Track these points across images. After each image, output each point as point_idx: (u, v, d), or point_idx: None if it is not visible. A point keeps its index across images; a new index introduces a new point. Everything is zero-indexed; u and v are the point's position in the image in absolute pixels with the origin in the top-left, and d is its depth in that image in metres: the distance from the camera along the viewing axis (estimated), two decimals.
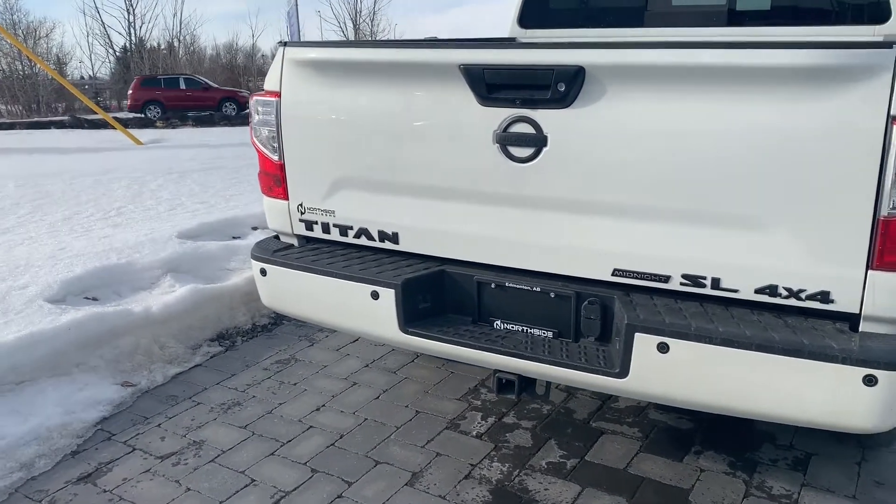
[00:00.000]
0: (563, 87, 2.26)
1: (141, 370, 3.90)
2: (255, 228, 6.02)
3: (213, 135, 14.34)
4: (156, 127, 18.49)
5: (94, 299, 4.46)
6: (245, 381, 3.87)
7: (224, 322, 4.53)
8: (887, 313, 2.06)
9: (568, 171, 2.34)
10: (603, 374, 2.31)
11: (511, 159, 2.41)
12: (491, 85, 2.37)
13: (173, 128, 18.90)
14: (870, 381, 1.97)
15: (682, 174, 2.20)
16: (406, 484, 2.93)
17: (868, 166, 1.97)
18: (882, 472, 2.93)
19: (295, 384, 3.81)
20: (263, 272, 2.96)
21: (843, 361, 1.99)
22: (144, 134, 14.44)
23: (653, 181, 2.25)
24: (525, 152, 2.38)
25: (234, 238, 5.75)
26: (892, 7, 3.60)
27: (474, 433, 3.29)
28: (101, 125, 16.59)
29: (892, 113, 1.93)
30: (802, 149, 2.04)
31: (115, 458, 3.16)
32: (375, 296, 2.63)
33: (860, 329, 2.11)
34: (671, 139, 2.20)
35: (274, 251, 2.97)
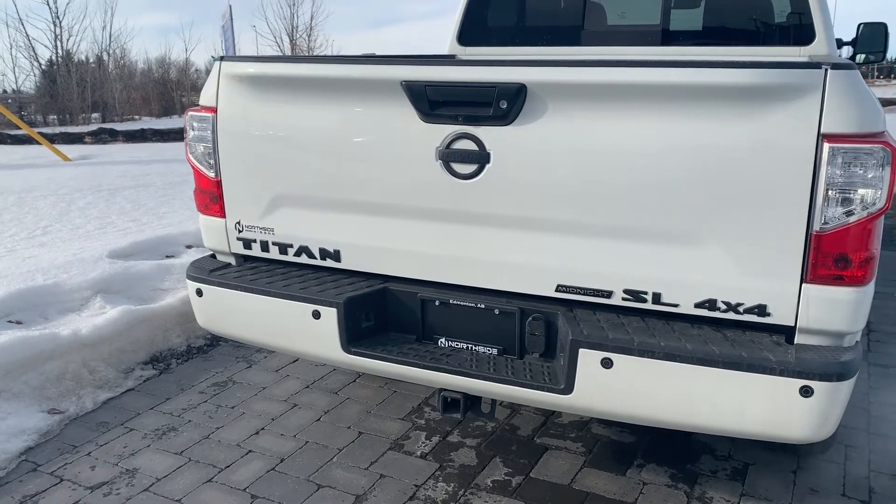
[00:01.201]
0: (504, 104, 2.27)
1: (69, 396, 3.73)
2: (189, 247, 5.85)
3: (144, 150, 13.94)
4: (84, 143, 17.89)
5: (19, 322, 4.25)
6: (180, 405, 3.74)
7: (158, 344, 4.38)
8: (821, 325, 2.12)
9: (511, 188, 2.34)
10: (548, 391, 2.31)
11: (454, 176, 2.40)
12: (433, 101, 2.36)
13: (103, 143, 18.32)
14: (806, 392, 2.02)
15: (621, 191, 2.23)
16: None
17: (800, 183, 2.03)
18: (816, 479, 3.01)
19: (233, 407, 3.70)
20: (199, 292, 2.87)
21: (781, 373, 2.03)
22: (72, 150, 13.94)
23: (593, 198, 2.27)
24: (468, 169, 2.38)
25: (167, 257, 5.58)
26: (816, 29, 3.75)
27: (418, 453, 3.24)
28: (26, 140, 15.97)
29: (822, 131, 1.99)
30: (737, 166, 2.09)
31: (41, 490, 3.00)
32: (317, 315, 2.58)
33: (795, 341, 2.16)
34: (610, 156, 2.23)
35: (210, 270, 2.89)
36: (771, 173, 2.06)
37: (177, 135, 20.07)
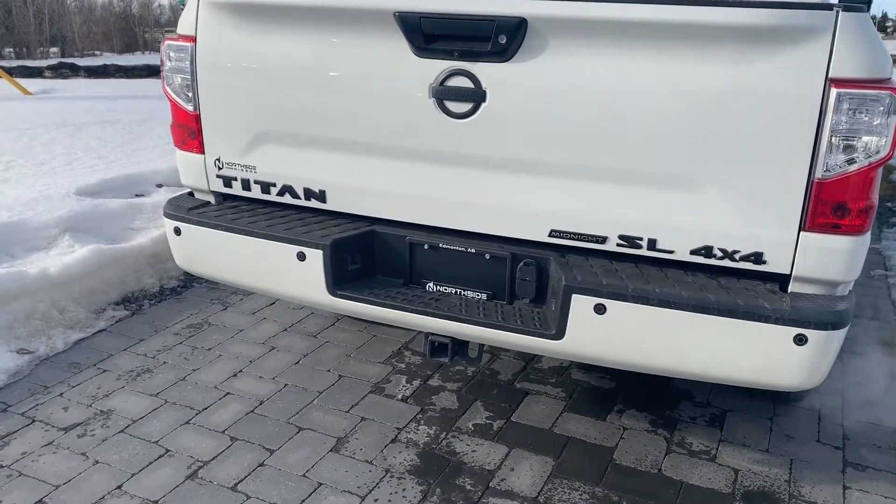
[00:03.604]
0: (503, 39, 2.17)
1: (39, 336, 3.63)
2: (159, 186, 5.69)
3: (108, 86, 13.50)
4: (44, 77, 17.24)
5: None
6: (155, 346, 3.66)
7: (130, 285, 4.27)
8: (816, 274, 2.11)
9: (506, 129, 2.27)
10: (539, 336, 2.28)
11: (447, 115, 2.32)
12: (428, 35, 2.26)
13: (64, 78, 17.68)
14: (800, 340, 2.02)
15: (620, 134, 2.17)
16: (331, 450, 2.85)
17: (804, 129, 1.99)
18: (792, 426, 3.06)
19: (209, 349, 3.64)
20: (178, 231, 2.76)
21: (776, 321, 2.02)
22: (32, 84, 13.41)
23: (591, 140, 2.20)
24: (462, 108, 2.29)
25: (137, 196, 5.42)
26: None
27: (399, 396, 3.23)
28: None
29: (830, 75, 1.94)
30: (740, 109, 2.04)
31: (12, 431, 2.92)
32: (302, 257, 2.50)
33: (790, 289, 2.15)
34: (610, 97, 2.16)
35: (189, 209, 2.78)
36: (774, 118, 2.01)
37: (141, 71, 19.43)
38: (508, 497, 2.60)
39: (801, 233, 2.08)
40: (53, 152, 6.72)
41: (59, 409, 3.09)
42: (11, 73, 15.17)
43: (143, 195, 5.47)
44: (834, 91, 1.94)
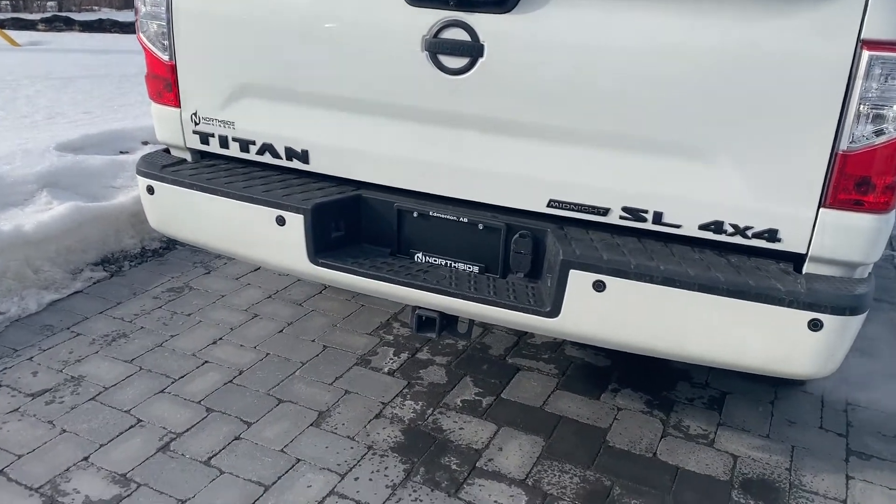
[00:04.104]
0: None
1: (10, 296, 3.47)
2: (145, 143, 5.48)
3: (101, 40, 13.15)
4: (36, 30, 16.83)
5: None
6: (132, 310, 3.51)
7: (109, 245, 4.10)
8: (833, 254, 1.95)
9: (505, 87, 2.09)
10: (533, 313, 2.13)
11: (441, 70, 2.14)
12: None
13: (57, 31, 17.25)
14: (815, 325, 1.87)
15: (628, 96, 2.00)
16: (311, 424, 2.71)
17: (831, 95, 1.82)
18: (794, 411, 2.93)
19: (189, 315, 3.48)
20: (151, 190, 2.59)
21: (789, 305, 1.87)
22: (22, 36, 13.04)
23: (596, 102, 2.03)
24: (458, 63, 2.11)
25: (121, 153, 5.21)
26: None
27: (386, 370, 3.09)
28: None
29: (862, 36, 1.76)
30: (761, 72, 1.86)
31: None
32: (281, 221, 2.33)
33: (804, 270, 2.00)
34: (619, 55, 1.98)
35: (163, 166, 2.60)
36: (798, 83, 1.84)
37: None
38: (495, 478, 2.47)
39: (821, 209, 1.91)
40: (37, 105, 6.49)
41: (28, 374, 2.95)
42: (3, 25, 14.80)
43: (127, 152, 5.26)
44: (866, 54, 1.76)
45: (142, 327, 3.35)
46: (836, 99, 1.81)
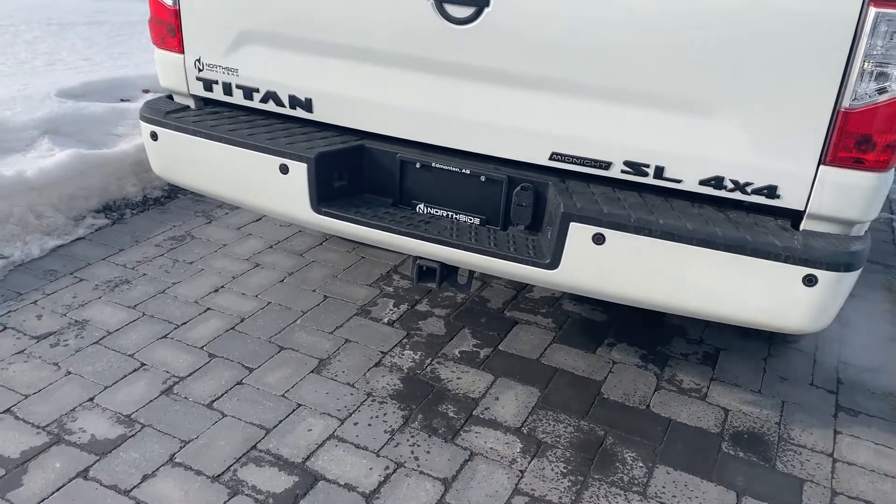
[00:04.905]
0: None
1: (14, 241, 3.49)
2: (146, 91, 5.44)
3: None
4: None
5: None
6: (135, 257, 3.54)
7: (111, 192, 4.11)
8: (830, 212, 1.97)
9: (511, 38, 2.08)
10: (532, 265, 2.15)
11: (447, 19, 2.13)
12: None
13: None
14: (810, 281, 1.89)
15: (633, 48, 1.99)
16: (312, 371, 2.76)
17: (835, 51, 1.82)
18: (786, 367, 2.98)
19: (191, 263, 3.51)
20: (154, 136, 2.59)
21: (786, 260, 1.90)
22: None
23: (602, 55, 2.02)
24: (464, 12, 2.10)
25: (122, 101, 5.18)
26: None
27: (385, 320, 3.13)
28: None
29: None
30: (764, 26, 1.85)
31: None
32: (285, 169, 2.34)
33: (802, 227, 2.02)
34: (626, 6, 1.96)
35: (167, 112, 2.60)
36: (802, 37, 1.83)
37: None
38: (491, 426, 2.53)
39: (821, 166, 1.93)
40: (36, 51, 6.42)
41: (33, 317, 2.99)
42: None
43: (128, 100, 5.23)
44: (872, 10, 1.76)
45: (144, 274, 3.39)
46: (840, 55, 1.81)
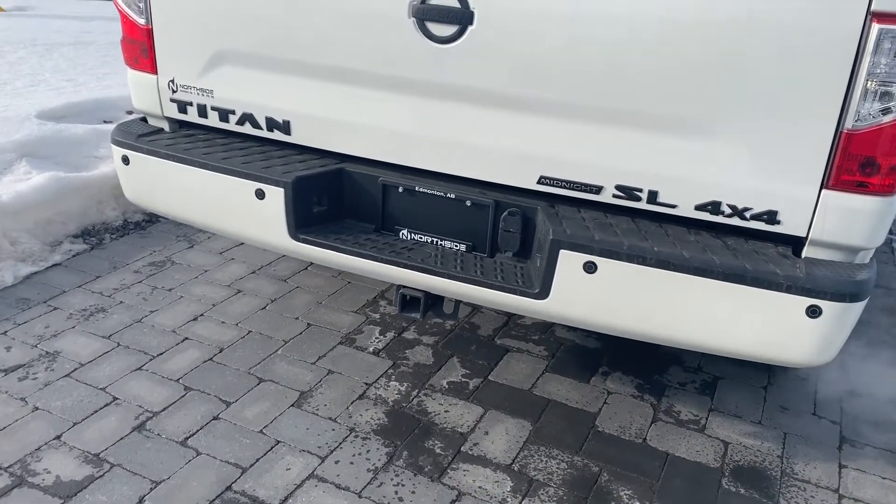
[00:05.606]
0: None
1: None
2: (130, 112, 5.33)
3: (87, 7, 12.88)
4: None
5: None
6: (112, 284, 3.42)
7: (90, 217, 3.99)
8: (834, 238, 1.87)
9: (496, 57, 1.98)
10: (521, 294, 2.04)
11: (429, 38, 2.03)
12: None
13: None
14: (814, 312, 1.79)
15: (624, 67, 1.90)
16: (292, 405, 2.64)
17: (837, 69, 1.73)
18: (787, 396, 2.87)
19: (170, 290, 3.39)
20: (126, 160, 2.48)
21: (788, 290, 1.79)
22: (8, 0, 12.78)
23: (590, 74, 1.93)
24: (447, 30, 2.00)
25: (105, 122, 5.08)
26: None
27: (371, 349, 3.01)
28: None
29: (872, 8, 1.66)
30: (763, 45, 1.77)
31: None
32: (261, 195, 2.24)
33: (804, 254, 1.92)
34: (616, 24, 1.87)
35: (139, 135, 2.49)
36: (802, 56, 1.74)
37: None
38: (480, 463, 2.41)
39: (823, 190, 1.83)
40: (19, 72, 6.32)
41: (2, 349, 2.86)
42: None
43: (111, 122, 5.12)
44: (875, 27, 1.67)
45: (121, 302, 3.26)
46: (842, 74, 1.72)
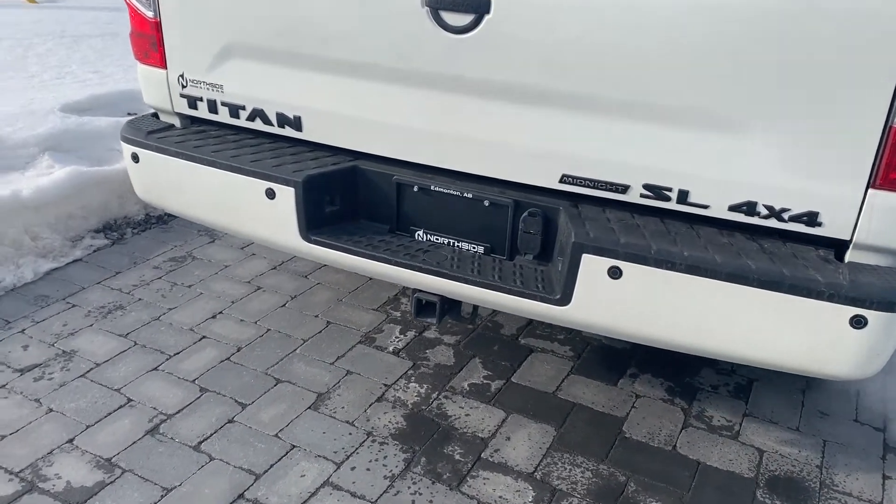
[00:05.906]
0: None
1: (6, 264, 3.35)
2: None
3: None
4: None
5: None
6: (131, 280, 3.38)
7: (112, 211, 3.96)
8: (881, 242, 1.73)
9: (514, 48, 1.86)
10: (541, 300, 1.93)
11: (444, 29, 1.92)
12: None
13: None
14: (858, 322, 1.65)
15: (652, 57, 1.76)
16: (309, 407, 2.57)
17: (885, 59, 1.57)
18: (826, 401, 2.73)
19: (189, 286, 3.34)
20: (135, 158, 2.42)
21: (830, 298, 1.65)
22: None
23: (616, 65, 1.80)
24: (462, 20, 1.89)
25: (129, 114, 5.04)
26: None
27: (391, 349, 2.92)
28: None
29: None
30: (804, 32, 1.62)
31: None
32: (271, 194, 2.15)
33: (847, 259, 1.78)
34: (643, 11, 1.74)
35: (149, 132, 2.42)
36: (847, 44, 1.59)
37: None
38: (501, 471, 2.31)
39: (870, 190, 1.68)
40: (47, 64, 6.33)
41: (19, 348, 2.83)
42: None
43: (135, 114, 5.09)
44: None
45: (140, 299, 3.22)
46: (892, 62, 1.57)
